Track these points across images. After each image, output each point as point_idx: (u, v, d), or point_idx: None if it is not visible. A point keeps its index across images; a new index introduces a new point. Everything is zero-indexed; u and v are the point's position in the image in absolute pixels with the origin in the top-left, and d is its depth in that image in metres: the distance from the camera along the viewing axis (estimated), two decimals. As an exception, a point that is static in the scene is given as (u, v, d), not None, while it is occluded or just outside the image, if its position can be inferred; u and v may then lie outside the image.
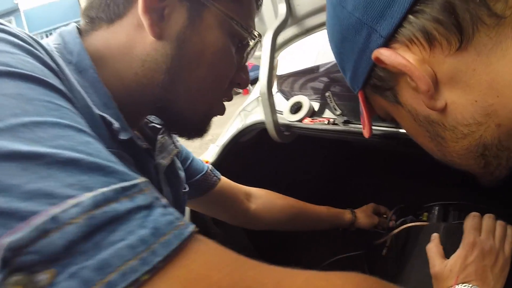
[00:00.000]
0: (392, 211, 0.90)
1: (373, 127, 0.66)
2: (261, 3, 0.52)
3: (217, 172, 0.82)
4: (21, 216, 0.22)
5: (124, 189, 0.27)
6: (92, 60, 0.41)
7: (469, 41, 0.31)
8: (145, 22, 0.41)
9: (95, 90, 0.40)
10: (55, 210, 0.23)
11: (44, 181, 0.24)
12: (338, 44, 0.44)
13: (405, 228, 0.79)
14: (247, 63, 0.53)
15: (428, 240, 0.65)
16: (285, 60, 1.22)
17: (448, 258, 0.58)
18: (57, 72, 0.34)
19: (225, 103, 0.53)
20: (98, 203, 0.25)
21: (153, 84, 0.44)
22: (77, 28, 0.45)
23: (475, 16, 0.30)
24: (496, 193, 0.62)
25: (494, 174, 0.39)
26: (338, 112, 0.86)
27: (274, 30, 0.82)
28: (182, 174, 0.63)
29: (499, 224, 0.59)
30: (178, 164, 0.64)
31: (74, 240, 0.23)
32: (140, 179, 0.29)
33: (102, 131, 0.38)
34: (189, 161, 0.73)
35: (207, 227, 1.09)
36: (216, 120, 0.54)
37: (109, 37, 0.43)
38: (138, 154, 0.45)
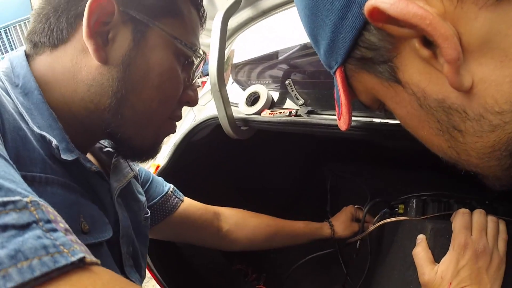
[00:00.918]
0: (365, 209, 0.83)
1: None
2: (205, 20, 0.53)
3: (180, 193, 0.77)
4: None
5: None
6: (39, 84, 0.42)
7: None
8: (90, 47, 0.41)
9: (39, 111, 0.41)
10: None
11: None
12: (309, 2, 0.33)
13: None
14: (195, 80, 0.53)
15: (408, 235, 0.60)
16: (241, 48, 1.11)
17: (438, 262, 0.52)
18: None
19: None
20: None
21: (100, 108, 0.44)
22: (25, 52, 0.45)
23: None
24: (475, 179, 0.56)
25: None
26: (301, 102, 0.76)
27: (225, 12, 0.72)
28: (142, 198, 0.61)
29: (491, 220, 0.53)
30: (138, 188, 0.62)
31: None
32: (29, 198, 0.27)
33: (37, 151, 0.38)
34: (148, 183, 0.70)
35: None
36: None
37: (53, 62, 0.43)
38: (88, 177, 0.45)
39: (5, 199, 0.26)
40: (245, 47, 1.13)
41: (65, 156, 0.40)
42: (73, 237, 0.28)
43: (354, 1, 0.28)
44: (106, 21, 0.42)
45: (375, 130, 0.58)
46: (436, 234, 0.56)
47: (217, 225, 0.82)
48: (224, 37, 0.72)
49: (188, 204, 0.77)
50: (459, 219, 0.53)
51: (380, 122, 0.58)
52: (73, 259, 0.26)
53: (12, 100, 0.40)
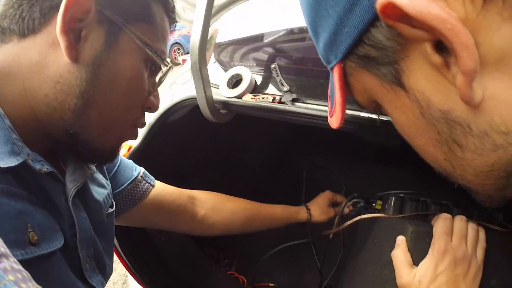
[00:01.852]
0: (343, 206, 0.82)
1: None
2: (175, 26, 0.53)
3: (151, 177, 0.73)
4: None
5: None
6: (0, 75, 0.39)
7: None
8: (62, 43, 0.39)
9: None
10: None
11: None
12: None
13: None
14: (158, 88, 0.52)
15: (385, 234, 0.60)
16: (226, 27, 1.05)
17: (416, 265, 0.52)
18: None
19: None
20: None
21: (63, 108, 0.42)
22: None
23: None
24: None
25: (508, 196, 0.29)
26: (286, 89, 0.73)
27: (211, -14, 0.65)
28: (105, 191, 0.57)
29: (471, 227, 0.53)
30: (101, 179, 0.58)
31: None
32: None
33: None
34: (115, 168, 0.66)
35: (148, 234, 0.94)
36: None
37: (19, 53, 0.41)
38: (40, 179, 0.41)
39: None
40: (230, 27, 1.07)
41: (6, 163, 0.36)
42: (7, 263, 0.25)
43: None
44: (81, 18, 0.40)
45: (363, 125, 0.56)
46: (417, 237, 0.55)
47: (192, 209, 0.79)
48: (209, 14, 0.67)
49: (160, 189, 0.73)
50: (441, 224, 0.53)
51: (368, 117, 0.55)
52: None
53: None
